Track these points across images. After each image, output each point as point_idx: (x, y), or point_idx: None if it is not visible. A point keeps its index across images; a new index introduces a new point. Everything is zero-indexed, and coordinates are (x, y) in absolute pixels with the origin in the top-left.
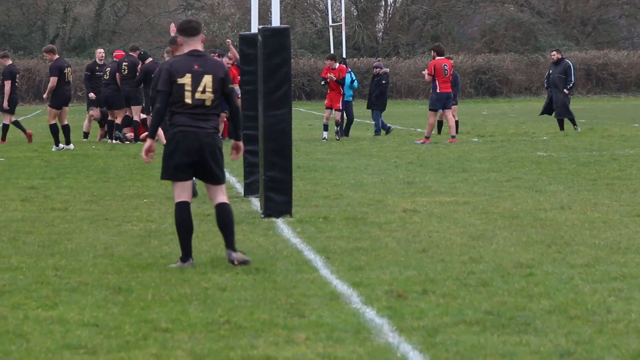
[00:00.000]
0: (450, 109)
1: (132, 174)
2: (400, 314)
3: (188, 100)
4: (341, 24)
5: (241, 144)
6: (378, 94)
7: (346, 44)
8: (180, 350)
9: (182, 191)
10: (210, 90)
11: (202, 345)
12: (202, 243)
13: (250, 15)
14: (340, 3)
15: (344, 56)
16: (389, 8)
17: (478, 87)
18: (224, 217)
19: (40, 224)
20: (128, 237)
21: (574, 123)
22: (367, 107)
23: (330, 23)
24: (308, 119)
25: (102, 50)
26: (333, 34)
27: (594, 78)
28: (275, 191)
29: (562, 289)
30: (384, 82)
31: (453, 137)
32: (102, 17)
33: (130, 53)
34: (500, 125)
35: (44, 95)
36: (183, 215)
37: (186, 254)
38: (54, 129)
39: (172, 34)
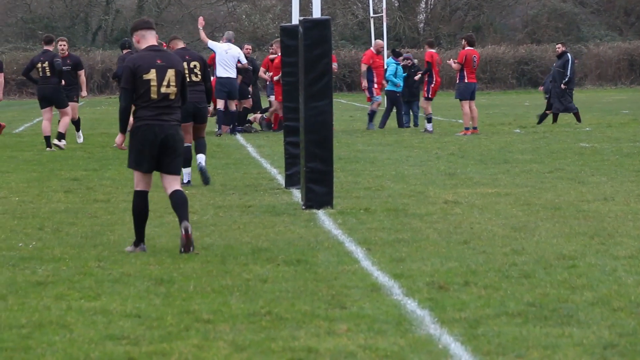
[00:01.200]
0: (474, 100)
1: None
2: (441, 306)
3: (154, 95)
4: (382, 15)
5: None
6: (417, 85)
7: (387, 35)
8: (222, 341)
9: (141, 180)
10: (174, 84)
11: (244, 336)
12: (244, 234)
13: (291, 6)
14: None
15: (394, 48)
16: None
17: (520, 78)
18: (180, 200)
19: (83, 215)
20: (170, 228)
21: (577, 118)
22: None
23: (372, 14)
24: (349, 111)
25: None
26: (374, 25)
27: (637, 68)
28: (316, 182)
29: (605, 280)
30: (420, 73)
31: (467, 129)
32: (144, 9)
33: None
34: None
35: (84, 93)
36: (140, 204)
37: (139, 239)
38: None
39: (200, 27)
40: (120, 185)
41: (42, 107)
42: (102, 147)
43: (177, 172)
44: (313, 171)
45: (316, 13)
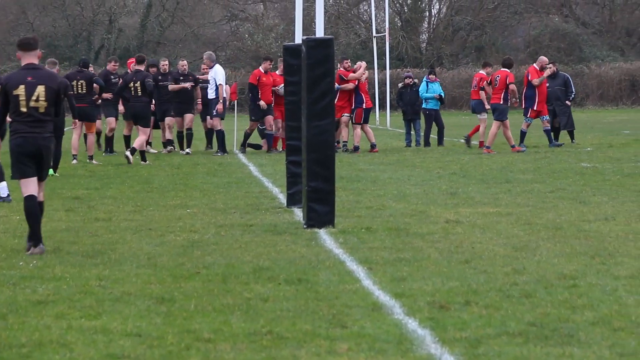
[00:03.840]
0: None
1: (175, 184)
2: (442, 325)
3: (23, 109)
4: (385, 35)
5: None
6: (419, 104)
7: (390, 55)
8: None
9: (27, 186)
10: (44, 99)
11: (245, 355)
12: (245, 253)
13: (294, 26)
14: (384, 14)
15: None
16: (433, 19)
17: (522, 97)
18: (37, 210)
19: (84, 234)
20: (171, 247)
21: (572, 136)
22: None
23: (374, 34)
24: (351, 130)
25: (166, 60)
26: (377, 45)
27: (639, 89)
28: (318, 201)
29: (606, 300)
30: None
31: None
32: (147, 27)
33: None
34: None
35: (122, 108)
36: (30, 207)
37: (37, 239)
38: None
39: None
40: (121, 204)
41: (126, 119)
42: (104, 165)
43: (44, 178)
44: (315, 190)
45: (319, 32)
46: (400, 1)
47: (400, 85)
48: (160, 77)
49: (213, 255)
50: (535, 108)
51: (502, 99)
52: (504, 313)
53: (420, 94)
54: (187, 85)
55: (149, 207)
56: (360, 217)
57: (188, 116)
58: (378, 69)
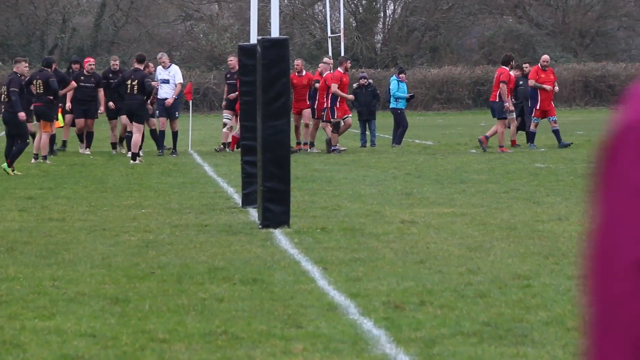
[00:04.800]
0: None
1: (129, 184)
2: (397, 325)
3: None
4: (340, 35)
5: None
6: (375, 104)
7: (345, 55)
8: None
9: None
10: None
11: (199, 356)
12: (200, 253)
13: (249, 26)
14: (339, 14)
15: (400, 66)
16: (387, 19)
17: (476, 98)
18: None
19: (38, 234)
20: (125, 247)
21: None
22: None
23: (329, 34)
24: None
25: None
26: (332, 45)
27: (591, 90)
28: (273, 202)
29: (559, 300)
30: (377, 92)
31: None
32: (101, 27)
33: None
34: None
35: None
36: None
37: None
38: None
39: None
40: (75, 204)
41: (123, 116)
42: (58, 165)
43: None
44: (270, 190)
45: (274, 32)
46: (355, 2)
47: (355, 85)
48: (111, 76)
49: (168, 256)
50: (538, 107)
51: (497, 97)
52: (459, 313)
53: (392, 92)
54: (156, 83)
55: (103, 207)
56: (315, 217)
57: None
58: (333, 69)
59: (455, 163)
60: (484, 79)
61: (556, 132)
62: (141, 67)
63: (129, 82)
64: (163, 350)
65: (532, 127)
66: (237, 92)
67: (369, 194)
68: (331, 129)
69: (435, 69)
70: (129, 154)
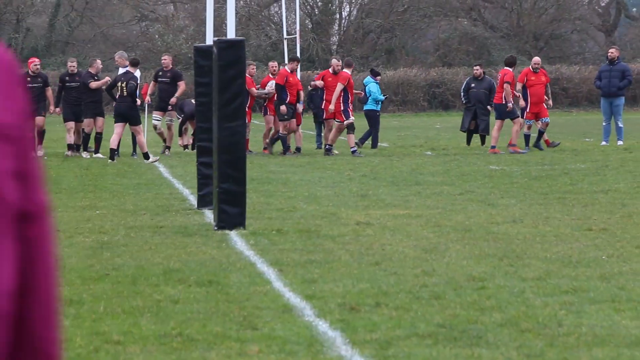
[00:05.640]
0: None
1: (84, 185)
2: (353, 327)
3: None
4: (296, 37)
5: None
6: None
7: (301, 57)
8: None
9: None
10: None
11: (154, 358)
12: (155, 255)
13: (205, 27)
14: (295, 15)
15: (372, 67)
16: (343, 21)
17: (431, 100)
18: None
19: None
20: (80, 248)
21: (483, 140)
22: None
23: (285, 36)
24: (262, 131)
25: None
26: (288, 47)
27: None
28: (229, 203)
29: (513, 302)
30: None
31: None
32: (56, 27)
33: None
34: (453, 139)
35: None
36: None
37: None
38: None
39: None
40: None
41: (116, 122)
42: None
43: None
44: (226, 192)
45: (230, 34)
46: (311, 3)
47: (310, 87)
48: (67, 78)
49: (122, 257)
50: (528, 110)
51: (502, 99)
52: (414, 314)
53: (374, 95)
54: (104, 81)
55: (58, 208)
56: (271, 219)
57: (100, 119)
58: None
59: (411, 165)
60: (439, 81)
61: (540, 134)
62: (134, 70)
63: (120, 84)
64: (117, 352)
65: (525, 130)
66: (174, 98)
67: (325, 195)
68: (334, 129)
69: (390, 71)
70: (86, 155)
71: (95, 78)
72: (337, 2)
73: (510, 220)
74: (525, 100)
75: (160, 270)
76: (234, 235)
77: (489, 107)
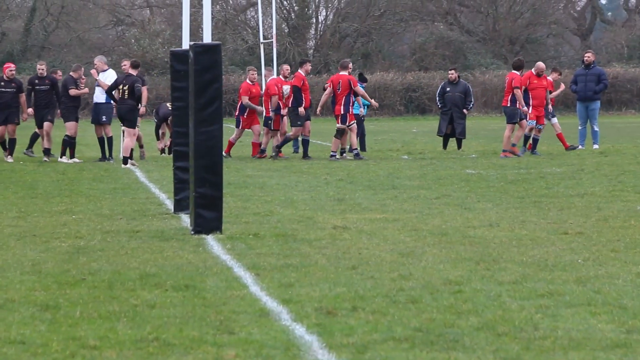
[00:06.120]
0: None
1: (60, 190)
2: (329, 331)
3: None
4: (272, 41)
5: None
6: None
7: (277, 61)
8: None
9: None
10: None
11: None
12: (132, 260)
13: (181, 31)
14: (272, 20)
15: (360, 72)
16: (320, 25)
17: (408, 104)
18: None
19: None
20: (56, 253)
21: (459, 144)
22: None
23: (262, 40)
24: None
25: (44, 63)
26: (264, 51)
27: None
28: (206, 208)
29: (490, 306)
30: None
31: (505, 151)
32: (31, 32)
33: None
34: (429, 143)
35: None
36: None
37: None
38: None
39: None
40: (4, 210)
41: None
42: None
43: None
44: (202, 196)
45: (207, 38)
46: (288, 8)
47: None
48: (37, 82)
49: (99, 262)
50: (530, 112)
51: (509, 102)
52: (391, 318)
53: (362, 99)
54: (85, 91)
55: (34, 213)
56: (247, 223)
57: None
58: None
59: (388, 169)
60: (416, 85)
61: (527, 138)
62: (135, 72)
63: (121, 87)
64: (94, 357)
65: (527, 132)
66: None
67: (302, 199)
68: (351, 133)
69: (367, 75)
70: (63, 160)
71: (78, 83)
72: (313, 6)
73: (487, 224)
74: (527, 103)
75: (137, 275)
76: (210, 240)
77: (464, 110)
